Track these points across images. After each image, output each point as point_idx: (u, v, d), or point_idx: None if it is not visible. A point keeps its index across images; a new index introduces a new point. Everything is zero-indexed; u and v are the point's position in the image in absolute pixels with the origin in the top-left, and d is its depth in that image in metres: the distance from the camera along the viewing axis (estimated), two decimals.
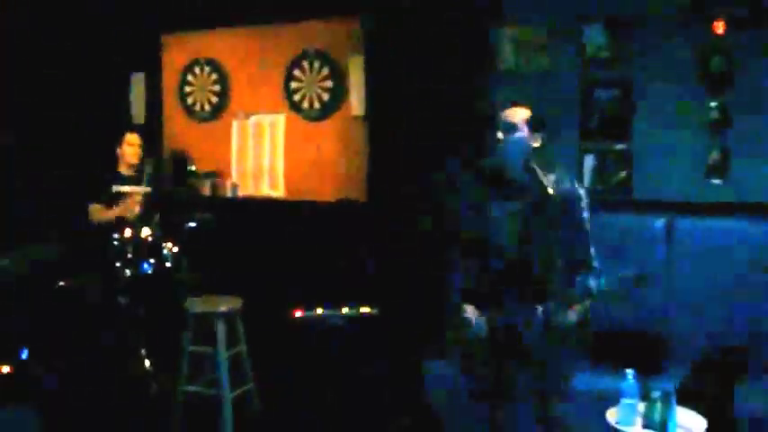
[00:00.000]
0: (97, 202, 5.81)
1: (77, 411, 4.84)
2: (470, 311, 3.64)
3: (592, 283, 3.53)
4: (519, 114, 3.69)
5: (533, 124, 3.67)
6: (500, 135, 3.67)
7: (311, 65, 6.46)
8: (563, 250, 3.56)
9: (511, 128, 3.66)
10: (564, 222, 3.55)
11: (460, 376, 3.78)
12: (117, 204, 5.77)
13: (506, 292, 3.56)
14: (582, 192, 3.74)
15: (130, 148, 5.93)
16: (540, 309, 3.45)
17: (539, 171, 3.53)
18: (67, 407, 4.82)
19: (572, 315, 3.54)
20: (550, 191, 3.47)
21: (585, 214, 3.68)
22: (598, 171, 5.32)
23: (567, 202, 3.59)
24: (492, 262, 3.64)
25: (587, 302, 3.59)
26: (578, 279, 3.54)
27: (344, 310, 5.70)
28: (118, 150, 5.95)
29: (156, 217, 5.71)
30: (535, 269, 3.52)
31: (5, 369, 4.62)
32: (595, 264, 3.66)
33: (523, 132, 3.65)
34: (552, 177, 3.58)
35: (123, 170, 5.94)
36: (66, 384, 5.04)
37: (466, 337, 3.64)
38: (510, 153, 3.68)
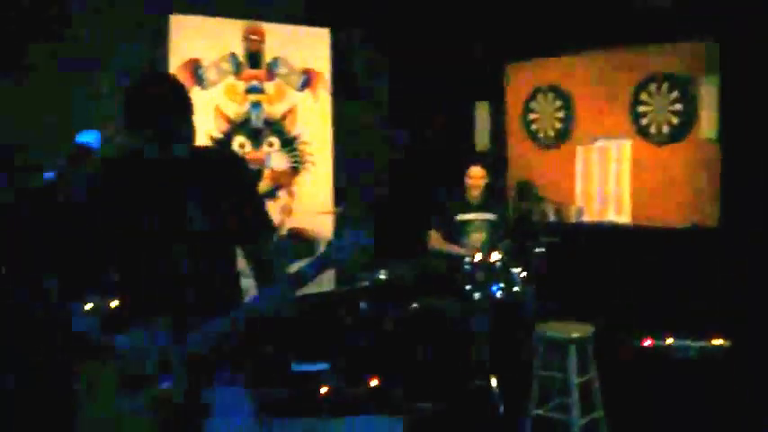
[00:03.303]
0: (438, 230, 6.09)
1: (432, 426, 5.06)
2: None
3: None
4: None
5: None
6: None
7: (659, 88, 6.32)
8: None
9: None
10: None
11: None
12: (458, 235, 6.09)
13: None
14: None
15: (472, 181, 6.16)
16: None
17: None
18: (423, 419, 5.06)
19: None
20: None
21: None
22: None
23: None
24: None
25: None
26: None
27: (696, 342, 5.52)
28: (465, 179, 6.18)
29: (506, 242, 5.86)
30: None
31: (374, 382, 4.95)
32: None
33: None
34: None
35: (470, 198, 6.16)
36: (419, 399, 5.29)
37: None
38: None
